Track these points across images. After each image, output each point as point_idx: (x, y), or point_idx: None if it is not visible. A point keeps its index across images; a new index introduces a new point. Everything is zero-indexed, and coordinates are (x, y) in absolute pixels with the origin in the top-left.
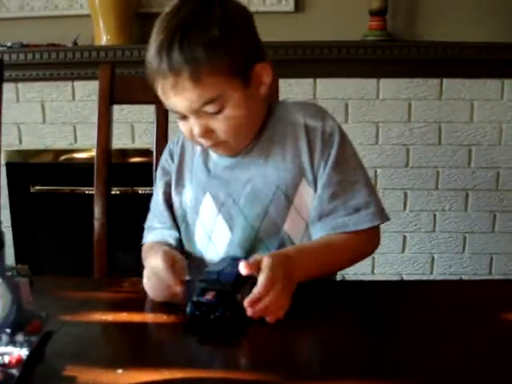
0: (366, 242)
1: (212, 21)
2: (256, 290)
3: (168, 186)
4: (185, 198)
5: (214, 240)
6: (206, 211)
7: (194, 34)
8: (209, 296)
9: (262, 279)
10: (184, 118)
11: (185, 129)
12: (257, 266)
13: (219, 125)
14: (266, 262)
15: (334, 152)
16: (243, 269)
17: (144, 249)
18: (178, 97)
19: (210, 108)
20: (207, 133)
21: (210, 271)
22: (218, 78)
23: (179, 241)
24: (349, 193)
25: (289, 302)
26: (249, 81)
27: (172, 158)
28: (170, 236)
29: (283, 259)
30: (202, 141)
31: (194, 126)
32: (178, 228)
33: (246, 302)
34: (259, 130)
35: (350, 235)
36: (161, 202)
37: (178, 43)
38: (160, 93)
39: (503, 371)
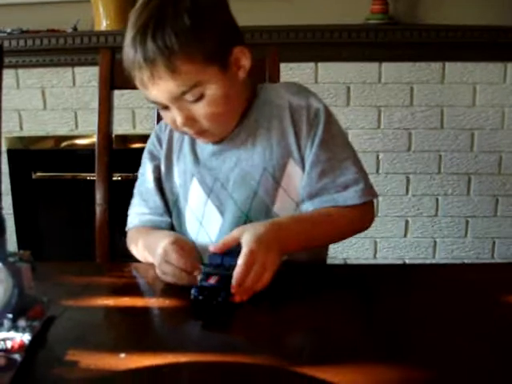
0: (360, 216)
1: (182, 10)
2: (235, 274)
3: (157, 170)
4: (175, 184)
5: (205, 225)
6: (194, 197)
7: (166, 24)
8: (212, 281)
9: (239, 261)
10: (165, 108)
11: (168, 119)
12: (234, 242)
13: (200, 112)
14: (244, 238)
15: (320, 131)
16: (216, 249)
17: (132, 232)
18: (156, 87)
19: (189, 96)
20: (190, 121)
21: (214, 255)
22: (194, 66)
23: (171, 227)
24: (337, 170)
25: (272, 273)
26: (227, 65)
27: (160, 144)
28: (162, 222)
29: (268, 229)
30: (186, 129)
31: (176, 115)
32: (169, 214)
33: (231, 289)
34: (244, 113)
35: (346, 208)
36: (151, 187)
37: (151, 34)
38: (139, 85)
39: (506, 353)
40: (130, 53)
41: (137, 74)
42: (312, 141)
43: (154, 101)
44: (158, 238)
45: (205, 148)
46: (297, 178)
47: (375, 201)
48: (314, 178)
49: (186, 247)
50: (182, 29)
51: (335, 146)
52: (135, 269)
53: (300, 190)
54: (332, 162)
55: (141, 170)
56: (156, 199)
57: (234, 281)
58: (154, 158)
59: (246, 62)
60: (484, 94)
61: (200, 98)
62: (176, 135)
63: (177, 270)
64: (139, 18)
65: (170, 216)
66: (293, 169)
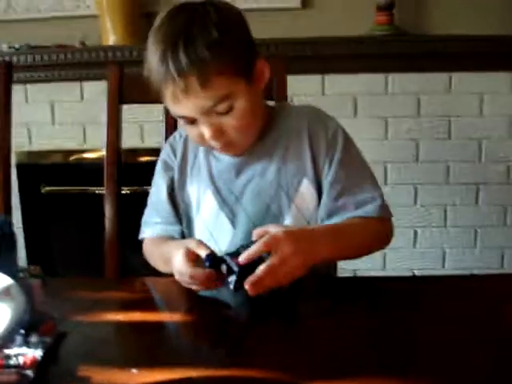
0: (382, 228)
1: (210, 24)
2: (258, 272)
3: (171, 180)
4: (187, 194)
5: (216, 236)
6: (207, 208)
7: (196, 38)
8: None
9: (268, 261)
10: (192, 122)
11: (194, 133)
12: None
13: (229, 124)
14: (274, 239)
15: (338, 151)
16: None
17: (148, 244)
18: (189, 100)
19: (220, 108)
20: (218, 133)
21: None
22: (226, 77)
23: (182, 235)
24: (356, 189)
25: (294, 278)
26: (252, 77)
27: (174, 154)
28: (174, 231)
29: (299, 234)
30: (213, 143)
31: (204, 128)
32: (180, 223)
33: (247, 283)
34: (263, 131)
35: (368, 219)
36: (164, 197)
37: (183, 47)
38: (170, 99)
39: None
40: (160, 69)
41: (169, 88)
42: (330, 161)
43: (183, 115)
44: (171, 248)
45: (221, 160)
46: (309, 198)
47: None
48: (333, 196)
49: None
50: (213, 42)
51: (354, 166)
52: (145, 283)
53: (320, 210)
54: (351, 181)
55: (154, 180)
56: (168, 208)
57: (251, 277)
58: (167, 168)
59: (267, 73)
60: (491, 103)
61: (230, 109)
62: (191, 146)
63: (195, 282)
64: (166, 34)
65: (181, 225)
66: (306, 188)
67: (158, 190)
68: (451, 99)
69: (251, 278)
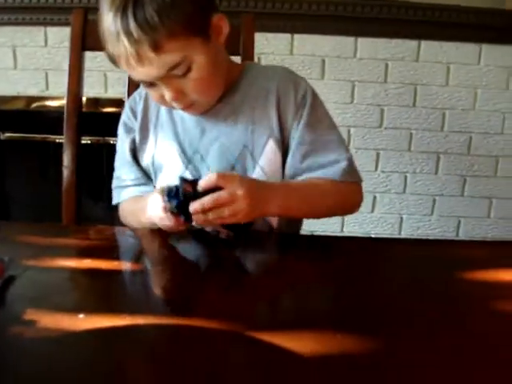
0: (347, 192)
1: None
2: (204, 199)
3: (133, 143)
4: (148, 154)
5: None
6: (171, 166)
7: (145, 2)
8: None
9: (216, 194)
10: (152, 85)
11: (155, 95)
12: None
13: (190, 85)
14: (231, 176)
15: (306, 112)
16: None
17: (122, 206)
18: (144, 66)
19: (177, 71)
20: (179, 95)
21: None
22: (179, 41)
23: None
24: (322, 151)
25: (242, 217)
26: (209, 35)
27: (135, 115)
28: (146, 191)
29: (253, 182)
30: (175, 104)
31: (164, 91)
32: (151, 182)
33: (191, 207)
34: (229, 90)
35: (334, 181)
36: (129, 159)
37: (132, 12)
38: (124, 67)
39: (465, 327)
40: (112, 35)
41: (122, 56)
42: (298, 122)
43: (141, 80)
44: (144, 198)
45: (185, 119)
46: (274, 158)
47: None
48: (299, 158)
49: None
50: (161, 5)
51: (321, 127)
52: (99, 231)
53: (286, 170)
54: (317, 143)
55: (118, 145)
56: (135, 170)
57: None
58: (128, 130)
59: (225, 28)
60: (457, 74)
61: (188, 71)
62: (152, 105)
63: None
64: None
65: (153, 184)
66: (271, 149)
67: (122, 152)
68: (418, 67)
69: (195, 204)
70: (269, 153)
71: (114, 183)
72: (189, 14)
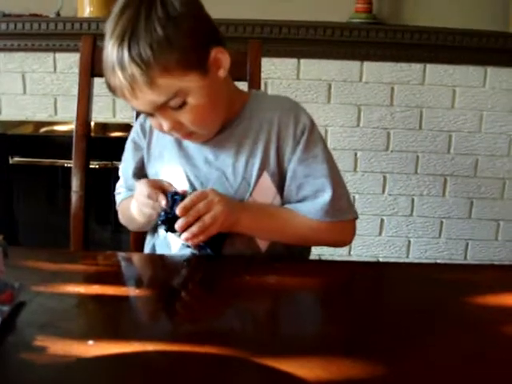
0: (329, 230)
1: (155, 20)
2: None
3: (141, 161)
4: (155, 173)
5: None
6: (177, 184)
7: (140, 36)
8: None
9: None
10: (150, 115)
11: (154, 124)
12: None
13: (186, 117)
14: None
15: (301, 148)
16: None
17: (121, 207)
18: (138, 98)
19: (172, 103)
20: (176, 125)
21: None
22: (173, 76)
23: None
24: (314, 187)
25: (219, 225)
26: (206, 69)
27: (144, 133)
28: None
29: (229, 197)
30: (174, 134)
31: (162, 121)
32: None
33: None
34: (234, 119)
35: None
36: (130, 176)
37: (127, 47)
38: (121, 97)
39: (470, 350)
40: (108, 66)
41: (117, 87)
42: (293, 156)
43: (138, 110)
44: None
45: (189, 144)
46: (266, 191)
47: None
48: (289, 193)
49: (154, 182)
50: (156, 40)
51: (314, 165)
52: (108, 257)
53: (283, 201)
54: (308, 180)
55: (125, 155)
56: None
57: (177, 209)
58: (137, 147)
59: (225, 61)
60: (463, 97)
61: (183, 104)
62: None
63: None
64: (115, 29)
65: None
66: (265, 182)
67: (127, 166)
68: (424, 90)
69: (180, 222)
70: (262, 186)
71: (117, 190)
72: (184, 49)
